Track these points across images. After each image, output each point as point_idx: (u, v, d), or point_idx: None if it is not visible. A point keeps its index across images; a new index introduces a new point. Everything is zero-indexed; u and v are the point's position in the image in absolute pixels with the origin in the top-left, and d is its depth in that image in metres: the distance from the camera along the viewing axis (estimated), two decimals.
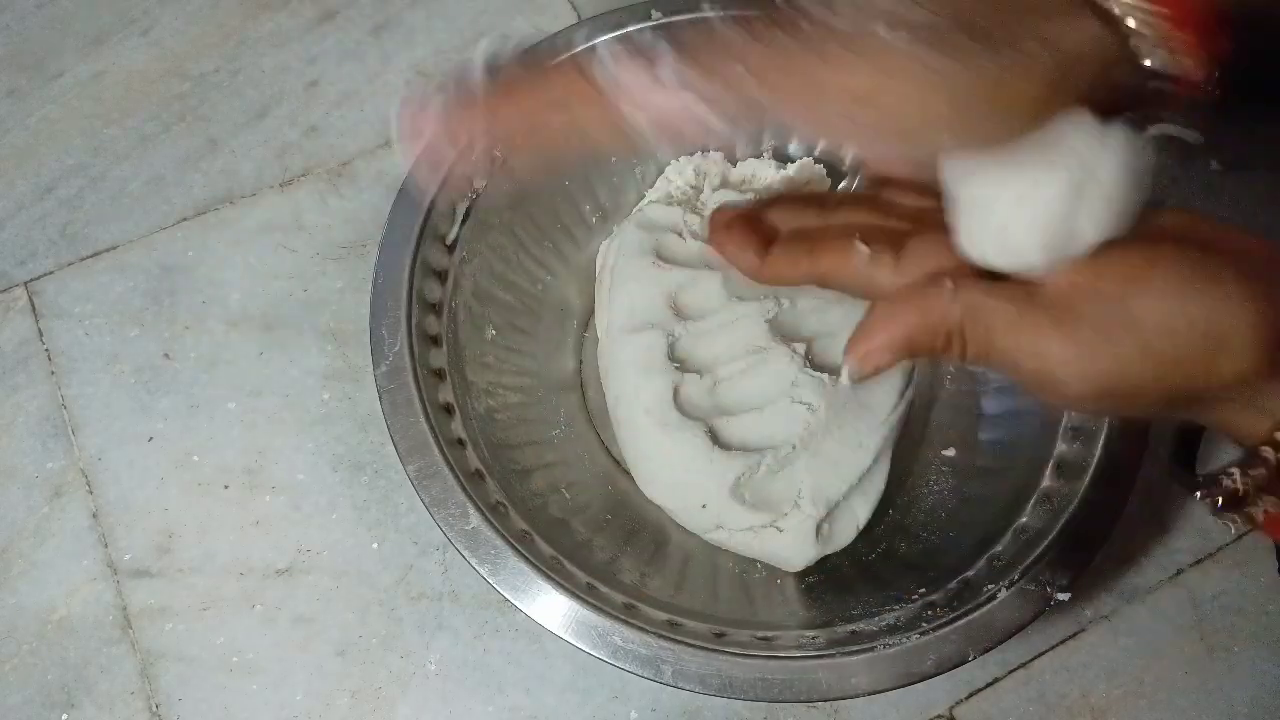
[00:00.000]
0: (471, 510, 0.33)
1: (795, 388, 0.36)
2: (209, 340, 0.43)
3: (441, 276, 0.38)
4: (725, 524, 0.36)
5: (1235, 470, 0.24)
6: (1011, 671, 0.39)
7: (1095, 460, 0.34)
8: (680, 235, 0.40)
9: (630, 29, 0.40)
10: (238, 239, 0.45)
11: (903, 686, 0.31)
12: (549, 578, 0.32)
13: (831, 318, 0.38)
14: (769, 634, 0.33)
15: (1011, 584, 0.32)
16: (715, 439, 0.36)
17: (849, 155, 0.43)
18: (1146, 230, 0.23)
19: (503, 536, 0.33)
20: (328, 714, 0.37)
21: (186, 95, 0.48)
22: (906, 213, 0.27)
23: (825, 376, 0.36)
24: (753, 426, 0.36)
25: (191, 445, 0.41)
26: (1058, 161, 0.22)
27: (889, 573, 0.36)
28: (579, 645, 0.31)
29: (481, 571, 0.32)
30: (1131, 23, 0.21)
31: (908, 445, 0.40)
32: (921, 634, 0.32)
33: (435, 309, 0.37)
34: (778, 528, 0.36)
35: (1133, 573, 0.40)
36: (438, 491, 0.33)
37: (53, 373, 0.42)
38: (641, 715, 0.38)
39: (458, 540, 0.33)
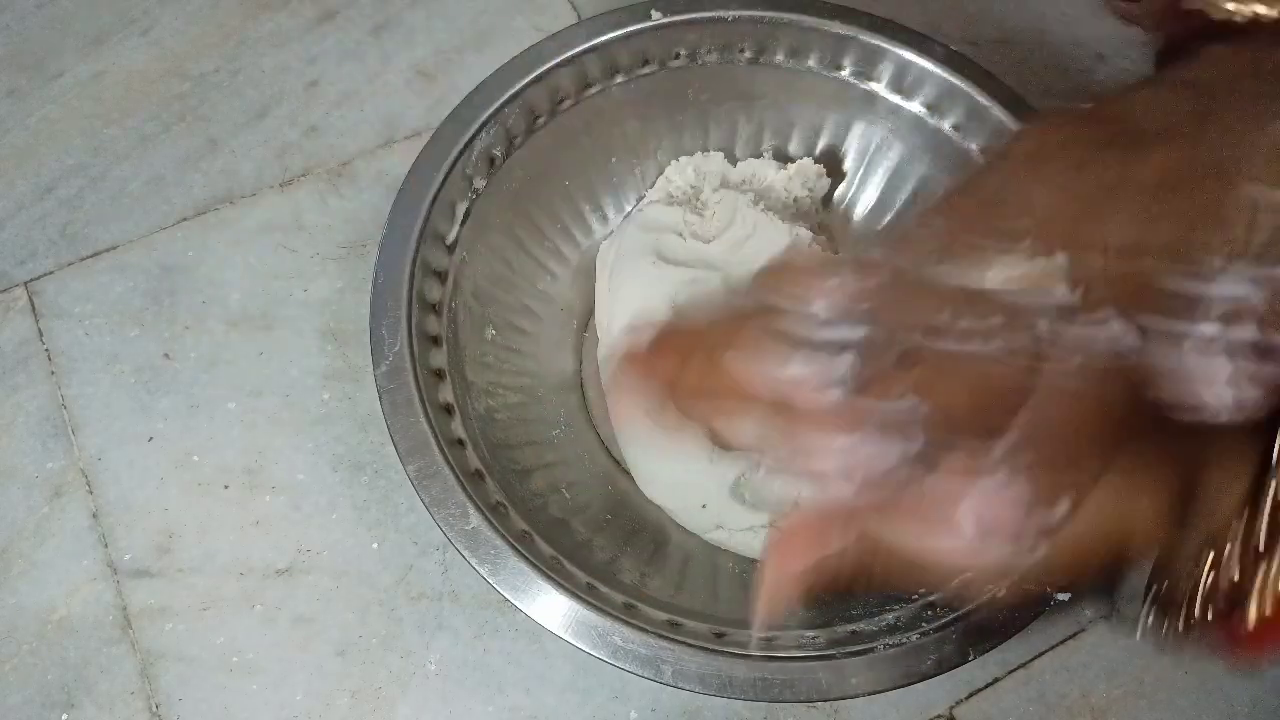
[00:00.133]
0: (471, 510, 0.33)
1: None
2: (209, 340, 0.43)
3: (441, 276, 0.38)
4: (725, 524, 0.36)
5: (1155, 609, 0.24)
6: (1011, 671, 0.39)
7: None
8: (680, 235, 0.40)
9: (632, 28, 0.40)
10: (238, 239, 0.45)
11: (903, 686, 0.31)
12: (549, 578, 0.32)
13: None
14: (769, 634, 0.33)
15: (1012, 584, 0.32)
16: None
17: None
18: None
19: (503, 536, 0.33)
20: (328, 714, 0.37)
21: (186, 95, 0.48)
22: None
23: None
24: None
25: (191, 445, 0.41)
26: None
27: None
28: (579, 645, 0.31)
29: (481, 571, 0.32)
30: None
31: None
32: (921, 634, 0.32)
33: (435, 309, 0.37)
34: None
35: (1133, 573, 0.40)
36: (438, 491, 0.33)
37: (53, 373, 0.42)
38: (641, 715, 0.38)
39: (458, 540, 0.33)
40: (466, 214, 0.39)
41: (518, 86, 0.39)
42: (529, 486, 0.36)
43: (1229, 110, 0.21)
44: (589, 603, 0.32)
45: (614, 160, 0.43)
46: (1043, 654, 0.39)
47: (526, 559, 0.32)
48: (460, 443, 0.35)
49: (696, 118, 0.43)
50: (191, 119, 0.48)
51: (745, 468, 0.35)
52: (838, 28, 0.40)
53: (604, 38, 0.40)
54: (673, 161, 0.43)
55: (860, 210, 0.44)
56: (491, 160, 0.39)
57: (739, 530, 0.36)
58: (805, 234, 0.39)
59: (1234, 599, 0.22)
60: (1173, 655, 0.24)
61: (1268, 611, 0.21)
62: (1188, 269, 0.19)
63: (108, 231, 0.45)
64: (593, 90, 0.41)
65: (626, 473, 0.39)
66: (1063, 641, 0.39)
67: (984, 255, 0.20)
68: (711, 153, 0.43)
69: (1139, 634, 0.25)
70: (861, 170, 0.44)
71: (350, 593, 0.39)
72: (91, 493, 0.40)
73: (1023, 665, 0.39)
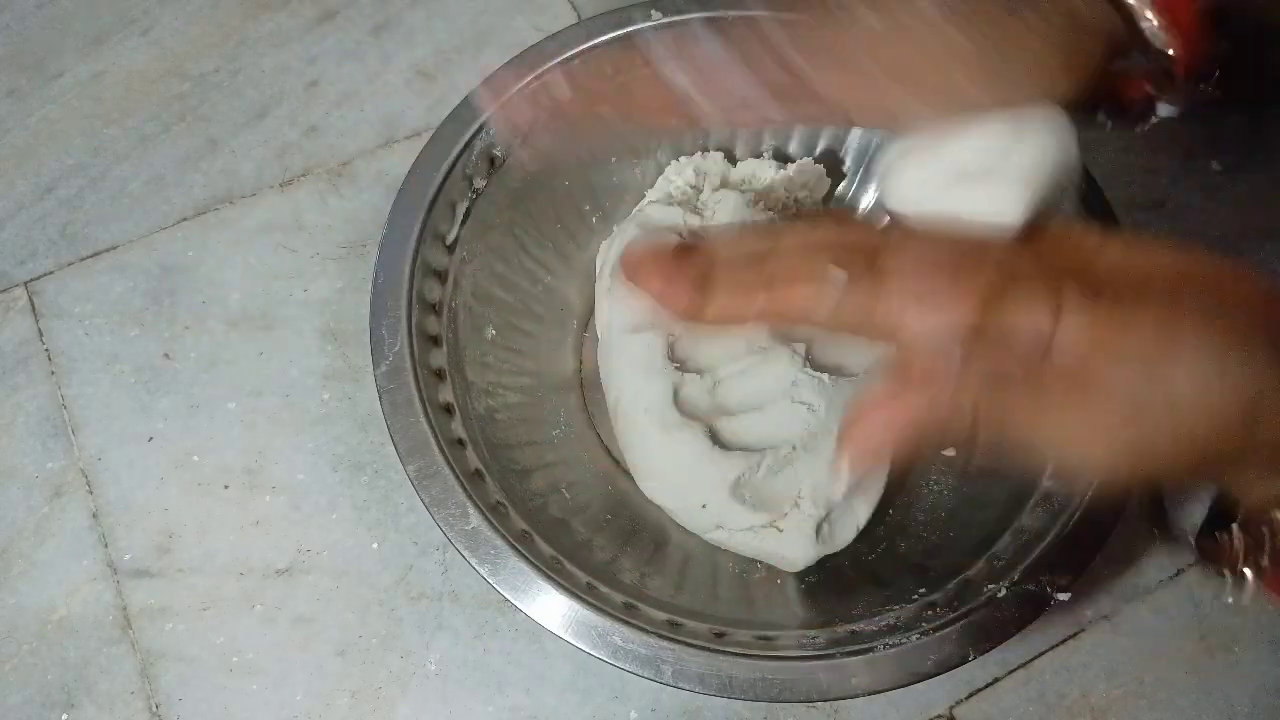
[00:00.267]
0: (471, 510, 0.33)
1: (795, 388, 0.36)
2: (209, 340, 0.43)
3: (441, 276, 0.38)
4: (725, 524, 0.36)
5: (1237, 531, 0.24)
6: (1011, 671, 0.39)
7: None
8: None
9: (632, 28, 0.40)
10: (238, 239, 0.45)
11: (903, 686, 0.31)
12: (549, 578, 0.32)
13: None
14: (769, 634, 0.33)
15: (1011, 584, 0.32)
16: (715, 439, 0.36)
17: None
18: (1147, 278, 0.22)
19: (503, 536, 0.33)
20: (328, 714, 0.37)
21: (186, 95, 0.48)
22: (863, 234, 0.24)
23: (825, 377, 0.36)
24: (753, 426, 0.36)
25: (191, 445, 0.41)
26: (990, 130, 0.24)
27: (889, 573, 0.36)
28: (579, 645, 0.31)
29: (481, 571, 0.32)
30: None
31: None
32: (921, 634, 0.32)
33: (435, 309, 0.37)
34: (778, 528, 0.36)
35: (1133, 573, 0.40)
36: (438, 491, 0.33)
37: (53, 373, 0.42)
38: (641, 715, 0.38)
39: (458, 540, 0.33)
40: (466, 214, 0.39)
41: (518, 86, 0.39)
42: (529, 486, 0.36)
43: None
44: (589, 603, 0.32)
45: (614, 160, 0.43)
46: (1043, 654, 0.39)
47: (526, 559, 0.32)
48: (460, 443, 0.35)
49: None
50: (191, 119, 0.48)
51: (745, 468, 0.35)
52: None
53: (604, 37, 0.40)
54: (673, 161, 0.43)
55: (860, 210, 0.44)
56: (491, 160, 0.39)
57: (739, 530, 0.36)
58: None
59: None
60: (1221, 576, 0.25)
61: None
62: None
63: (108, 231, 0.45)
64: None
65: (626, 473, 0.39)
66: (1063, 641, 0.39)
67: None
68: (711, 153, 0.43)
69: (1193, 557, 0.26)
70: (861, 170, 0.44)
71: (350, 593, 0.39)
72: (91, 493, 0.40)
73: (1023, 665, 0.39)
